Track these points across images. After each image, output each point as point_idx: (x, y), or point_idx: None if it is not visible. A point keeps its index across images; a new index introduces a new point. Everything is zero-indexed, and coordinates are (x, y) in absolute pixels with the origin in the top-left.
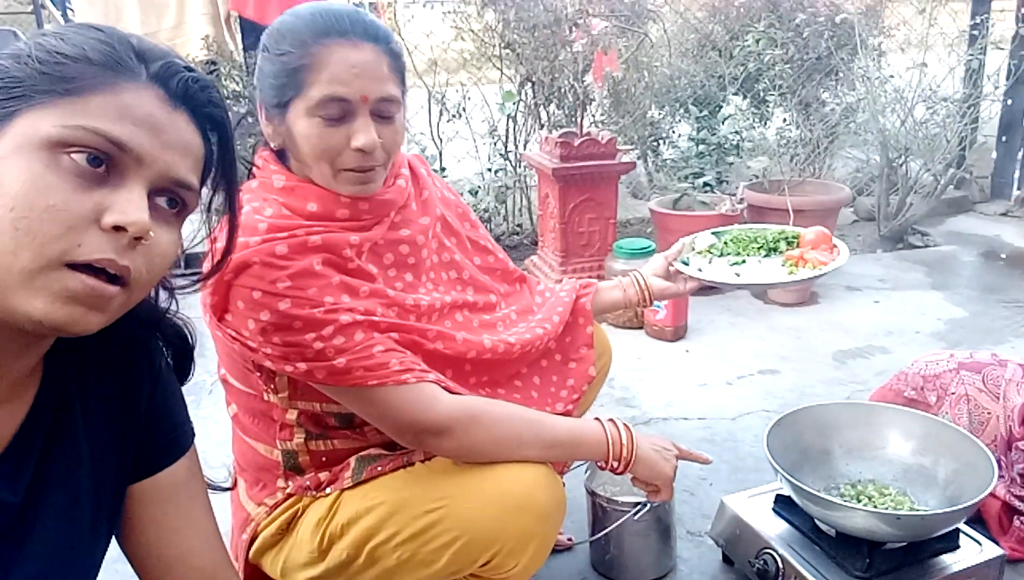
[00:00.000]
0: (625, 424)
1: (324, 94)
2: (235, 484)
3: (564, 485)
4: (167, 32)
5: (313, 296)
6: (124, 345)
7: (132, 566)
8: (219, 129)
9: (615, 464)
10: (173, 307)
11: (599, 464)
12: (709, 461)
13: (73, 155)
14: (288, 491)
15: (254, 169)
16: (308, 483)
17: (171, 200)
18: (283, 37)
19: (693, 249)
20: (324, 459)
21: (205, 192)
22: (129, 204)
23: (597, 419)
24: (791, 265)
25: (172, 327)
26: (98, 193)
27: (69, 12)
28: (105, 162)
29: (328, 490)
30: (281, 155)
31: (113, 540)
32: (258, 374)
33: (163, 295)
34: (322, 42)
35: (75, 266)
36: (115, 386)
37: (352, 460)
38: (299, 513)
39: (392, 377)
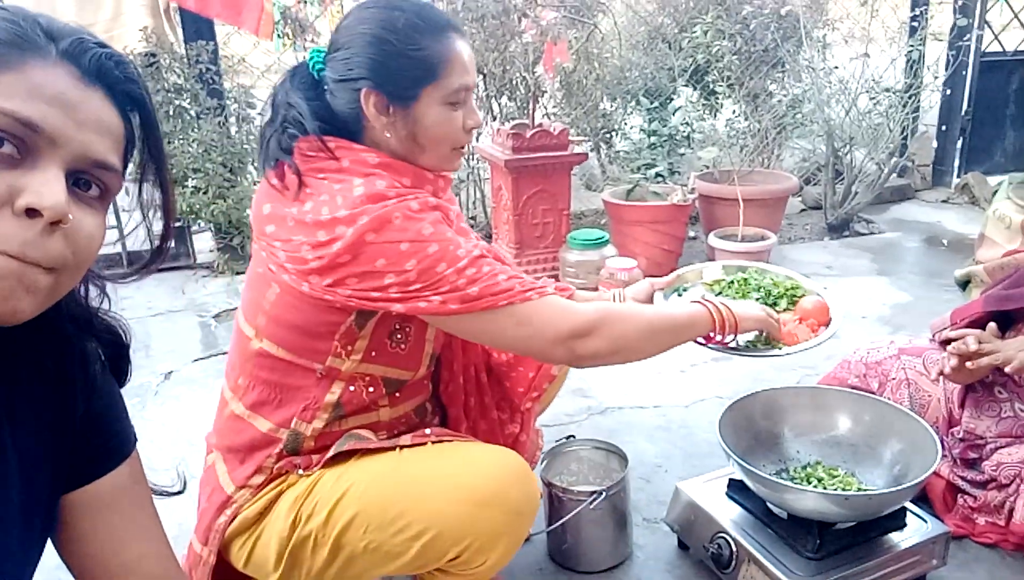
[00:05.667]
0: (716, 303)
1: (460, 83)
2: (183, 486)
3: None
4: (104, 24)
5: (451, 238)
6: (56, 354)
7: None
8: (139, 107)
9: (725, 331)
10: (105, 305)
11: (710, 337)
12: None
13: None
14: (275, 469)
15: (335, 150)
16: (299, 462)
17: (92, 182)
18: (412, 32)
19: (701, 277)
20: (327, 445)
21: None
22: (43, 186)
23: (695, 302)
24: None
25: (105, 326)
26: (10, 176)
27: None
28: (16, 144)
29: (314, 470)
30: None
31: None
32: (337, 338)
33: (94, 293)
34: (447, 36)
35: None
36: (47, 397)
37: (343, 436)
38: (282, 492)
39: (519, 296)
